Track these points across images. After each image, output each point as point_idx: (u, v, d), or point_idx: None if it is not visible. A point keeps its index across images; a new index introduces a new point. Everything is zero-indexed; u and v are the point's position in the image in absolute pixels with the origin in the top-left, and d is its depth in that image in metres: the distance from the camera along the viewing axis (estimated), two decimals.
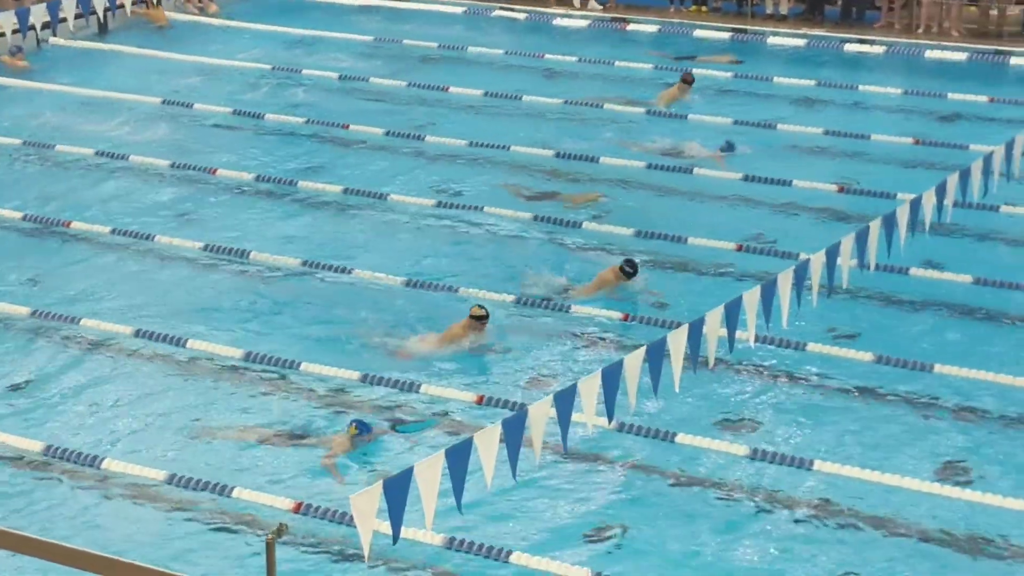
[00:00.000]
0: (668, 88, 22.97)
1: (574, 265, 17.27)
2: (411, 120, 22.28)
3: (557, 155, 20.69)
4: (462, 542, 11.89)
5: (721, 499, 12.74)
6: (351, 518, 9.03)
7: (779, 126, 21.63)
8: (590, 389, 10.76)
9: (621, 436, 13.53)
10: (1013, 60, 24.63)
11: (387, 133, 21.66)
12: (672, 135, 21.32)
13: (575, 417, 10.71)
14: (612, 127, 22.02)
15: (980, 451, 13.42)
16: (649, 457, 13.35)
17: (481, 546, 11.87)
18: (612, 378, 10.97)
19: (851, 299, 16.07)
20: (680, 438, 13.52)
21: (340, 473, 12.85)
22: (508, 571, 11.69)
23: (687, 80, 22.82)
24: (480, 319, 15.08)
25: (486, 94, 23.43)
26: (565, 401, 10.57)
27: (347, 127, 21.90)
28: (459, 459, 9.66)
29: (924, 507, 12.56)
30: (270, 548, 8.46)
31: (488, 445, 9.88)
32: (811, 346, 15.19)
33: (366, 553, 9.01)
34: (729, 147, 20.52)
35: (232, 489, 12.70)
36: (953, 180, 14.83)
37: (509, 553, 11.80)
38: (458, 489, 9.67)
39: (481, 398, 14.17)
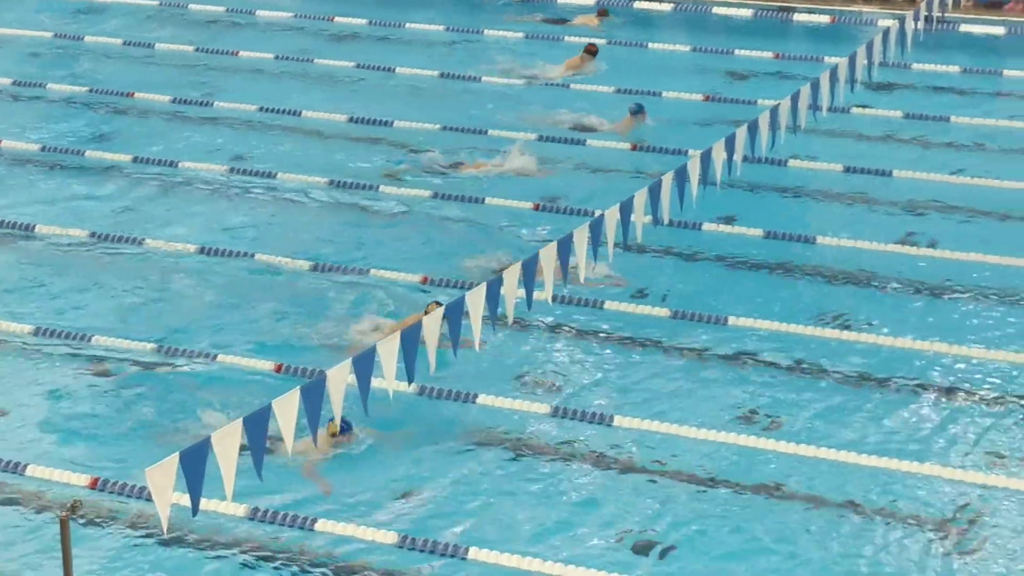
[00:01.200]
0: (571, 58, 22.41)
1: (372, 229, 17.18)
2: (200, 86, 21.90)
3: (350, 120, 20.52)
4: (266, 512, 11.74)
5: (524, 458, 12.79)
6: (149, 492, 8.83)
7: (571, 86, 21.72)
8: (389, 351, 10.67)
9: (422, 398, 13.50)
10: (796, 17, 25.06)
11: (175, 100, 21.25)
12: (470, 99, 21.28)
13: (375, 382, 10.64)
14: (405, 91, 21.91)
15: (775, 400, 13.66)
16: (452, 418, 13.34)
17: (286, 515, 11.74)
18: (411, 340, 10.89)
19: (646, 254, 16.24)
20: (482, 399, 13.54)
21: (324, 479, 12.47)
22: (316, 539, 11.59)
23: (591, 51, 22.41)
24: None
25: (277, 58, 23.14)
26: (364, 364, 10.46)
27: (132, 95, 21.43)
28: (257, 427, 9.50)
29: (722, 457, 12.75)
30: (64, 526, 8.24)
31: (287, 412, 9.73)
32: (608, 304, 15.32)
33: (164, 527, 8.84)
34: (639, 109, 20.35)
35: (25, 466, 12.38)
36: (741, 134, 15.01)
37: (315, 520, 11.69)
38: (258, 457, 9.52)
39: (280, 366, 14.01)
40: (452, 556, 11.37)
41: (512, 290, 11.98)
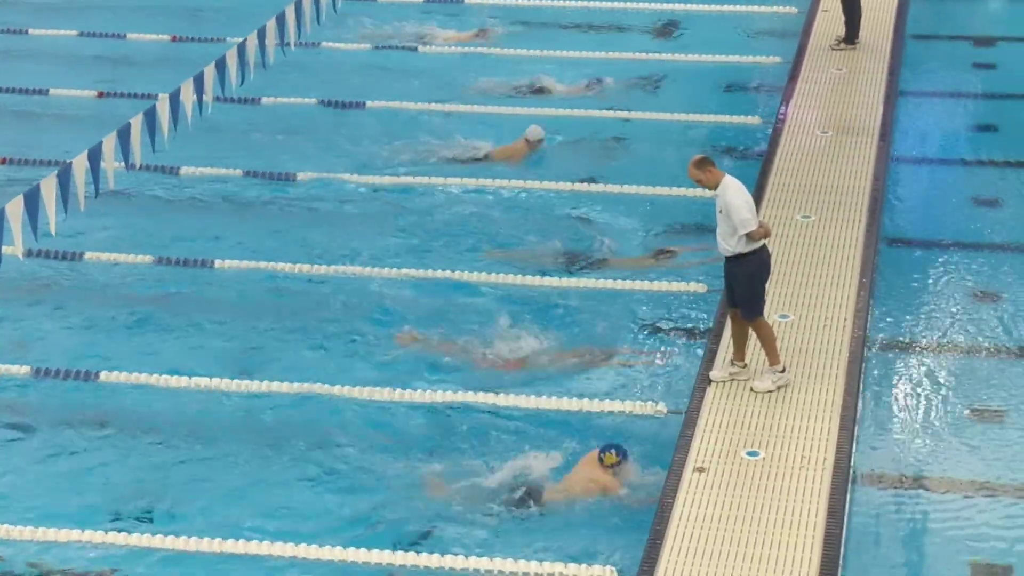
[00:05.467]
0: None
1: None
2: None
3: None
4: None
5: (10, 426, 12.43)
6: None
7: (30, 31, 20.82)
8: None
9: None
10: None
11: None
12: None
13: None
14: None
15: (264, 348, 13.66)
16: None
17: None
18: None
19: (126, 200, 15.85)
20: None
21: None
22: None
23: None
24: None
25: None
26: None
27: None
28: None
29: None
30: None
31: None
32: (89, 255, 14.87)
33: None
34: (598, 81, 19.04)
35: None
36: (210, 72, 14.71)
37: None
38: None
39: None
40: None
41: None
